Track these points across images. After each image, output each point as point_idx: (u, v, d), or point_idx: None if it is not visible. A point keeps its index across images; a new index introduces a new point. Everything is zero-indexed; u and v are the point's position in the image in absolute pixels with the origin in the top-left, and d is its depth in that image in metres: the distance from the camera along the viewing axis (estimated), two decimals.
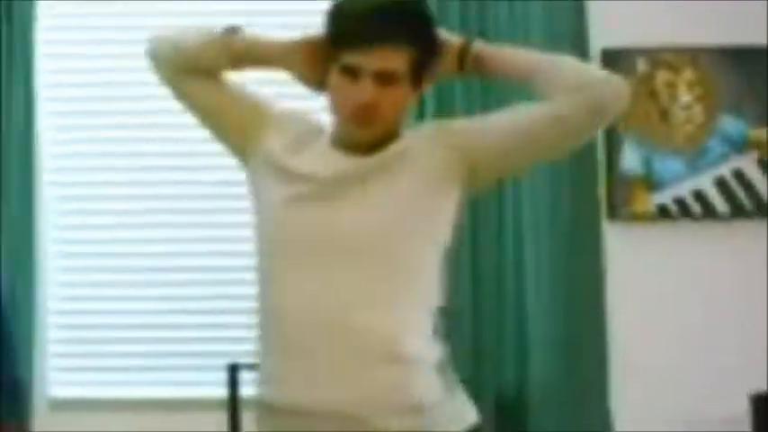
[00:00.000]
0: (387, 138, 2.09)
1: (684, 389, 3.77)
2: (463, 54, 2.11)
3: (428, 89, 2.19)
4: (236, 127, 2.18)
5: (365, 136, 2.07)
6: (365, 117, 2.03)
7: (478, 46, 2.13)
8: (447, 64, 2.12)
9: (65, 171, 3.94)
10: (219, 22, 3.71)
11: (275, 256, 2.10)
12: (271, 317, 2.12)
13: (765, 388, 3.54)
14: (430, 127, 2.21)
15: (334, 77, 2.05)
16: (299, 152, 2.11)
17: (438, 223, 2.08)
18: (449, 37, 2.13)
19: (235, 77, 2.21)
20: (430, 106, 3.65)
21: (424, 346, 2.06)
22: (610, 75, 2.08)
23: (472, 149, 2.07)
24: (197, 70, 2.16)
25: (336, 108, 2.08)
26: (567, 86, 2.02)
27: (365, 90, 2.00)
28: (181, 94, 2.21)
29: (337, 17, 2.05)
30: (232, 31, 2.17)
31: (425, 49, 2.05)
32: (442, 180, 2.07)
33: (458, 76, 2.17)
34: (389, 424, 2.00)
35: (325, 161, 2.08)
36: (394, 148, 2.08)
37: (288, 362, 2.06)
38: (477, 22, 3.68)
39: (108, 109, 3.93)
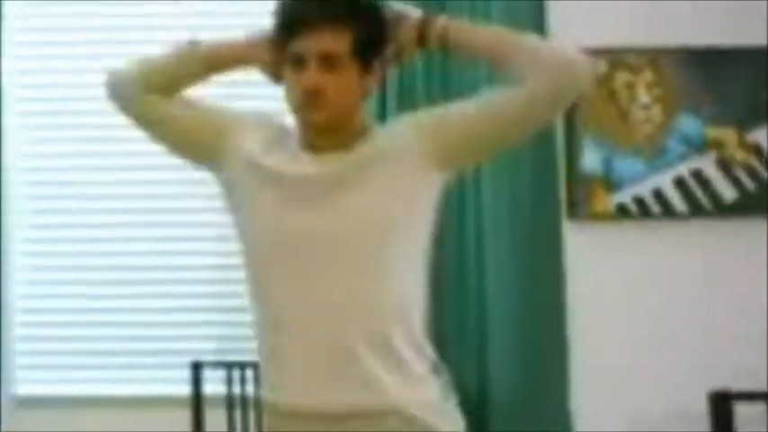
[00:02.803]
0: (352, 133, 2.11)
1: (645, 387, 3.78)
2: (423, 29, 2.12)
3: (388, 73, 2.21)
4: (206, 140, 2.20)
5: (319, 121, 2.08)
6: (312, 102, 2.05)
7: (443, 21, 2.13)
8: (406, 39, 2.14)
9: (33, 171, 3.96)
10: (187, 23, 3.76)
11: (261, 259, 2.12)
12: (264, 322, 2.14)
13: (725, 386, 3.56)
14: (400, 121, 2.20)
15: (287, 72, 2.09)
16: (275, 152, 2.13)
17: (417, 220, 2.10)
18: (407, 11, 2.15)
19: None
20: (391, 98, 3.66)
21: (417, 346, 2.10)
22: (578, 54, 2.08)
23: (447, 139, 2.08)
24: (169, 86, 2.20)
25: (289, 100, 2.10)
26: (538, 70, 2.02)
27: (309, 75, 2.03)
28: (146, 119, 2.24)
29: (280, 12, 2.09)
30: (194, 42, 2.24)
31: (367, 30, 2.07)
32: (419, 173, 2.08)
33: (419, 51, 2.18)
34: (390, 426, 2.05)
35: (300, 163, 2.10)
36: (367, 147, 2.10)
37: (285, 367, 2.10)
38: None
39: (76, 109, 3.93)
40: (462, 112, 2.12)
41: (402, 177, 2.07)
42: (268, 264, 2.11)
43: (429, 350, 2.14)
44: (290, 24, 2.06)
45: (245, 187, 2.14)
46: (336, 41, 2.03)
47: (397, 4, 2.16)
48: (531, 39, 2.12)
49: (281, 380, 2.12)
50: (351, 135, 2.12)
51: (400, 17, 2.14)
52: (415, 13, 2.15)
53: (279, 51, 2.11)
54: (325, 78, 2.04)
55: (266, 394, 2.17)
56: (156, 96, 2.20)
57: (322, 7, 2.04)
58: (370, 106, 3.55)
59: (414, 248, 2.11)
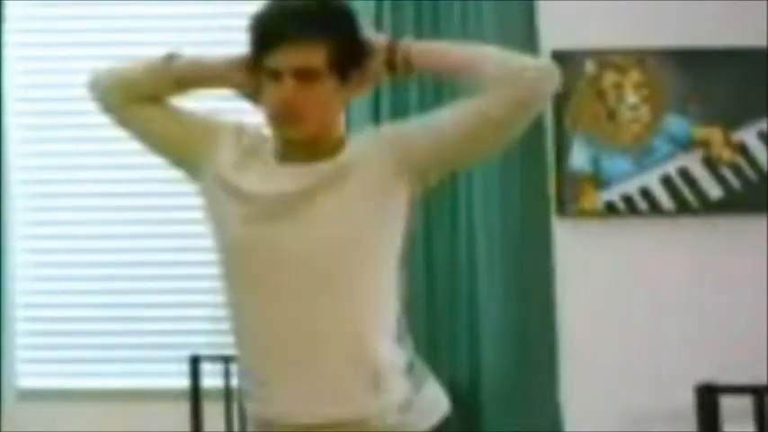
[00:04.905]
0: (328, 145, 2.09)
1: (632, 381, 3.79)
2: (391, 54, 2.10)
3: (363, 92, 2.19)
4: (184, 148, 2.19)
5: (294, 135, 2.07)
6: (288, 115, 2.04)
7: (406, 45, 2.11)
8: (377, 65, 2.11)
9: (33, 169, 3.97)
10: (186, 24, 3.79)
11: (233, 274, 2.12)
12: (239, 335, 2.15)
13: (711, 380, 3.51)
14: (371, 134, 2.18)
15: (264, 86, 2.07)
16: (246, 168, 2.11)
17: (390, 229, 2.09)
18: (375, 37, 2.13)
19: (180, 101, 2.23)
20: (385, 104, 3.66)
21: (389, 353, 2.09)
22: (542, 61, 2.09)
23: (412, 152, 2.06)
24: (141, 97, 2.18)
25: (266, 113, 2.08)
26: (492, 81, 2.01)
27: (288, 88, 2.01)
28: (125, 122, 2.22)
29: (255, 26, 2.07)
30: (170, 57, 2.19)
31: (343, 44, 2.04)
32: (388, 186, 2.07)
33: (390, 77, 2.15)
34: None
35: (272, 178, 2.08)
36: (338, 160, 2.07)
37: (255, 376, 2.11)
38: (430, 24, 3.70)
39: (75, 109, 3.74)
40: (431, 125, 2.10)
41: (370, 191, 2.05)
42: (238, 279, 2.11)
43: (403, 351, 2.13)
44: (265, 39, 2.03)
45: (216, 202, 2.13)
46: (312, 55, 2.01)
47: (366, 29, 2.14)
48: (491, 49, 2.10)
49: (256, 390, 2.12)
50: (326, 147, 2.10)
51: (370, 43, 2.12)
52: (381, 38, 2.14)
53: (256, 69, 2.08)
54: (301, 92, 2.01)
55: (248, 404, 2.18)
56: (135, 105, 2.19)
57: (296, 21, 2.01)
58: (364, 110, 3.60)
59: (384, 260, 2.10)
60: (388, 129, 2.20)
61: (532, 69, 2.03)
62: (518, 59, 2.07)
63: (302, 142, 2.08)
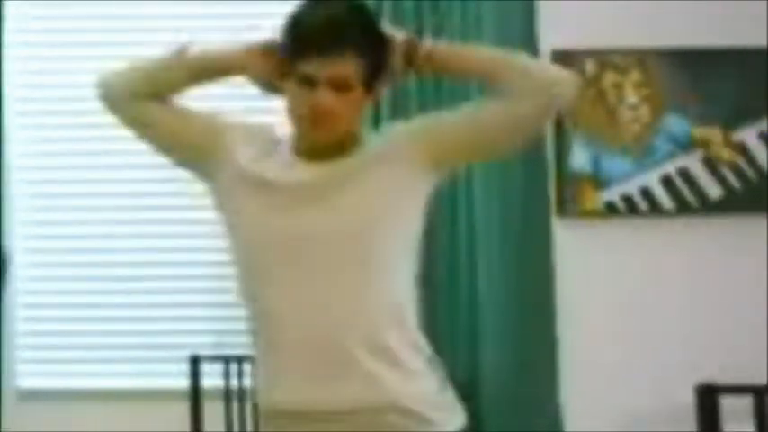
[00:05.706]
0: (346, 141, 2.15)
1: (633, 382, 3.80)
2: (410, 51, 2.16)
3: (383, 92, 2.26)
4: (195, 145, 2.22)
5: (322, 139, 2.12)
6: (323, 122, 2.08)
7: (429, 44, 2.17)
8: (395, 63, 2.16)
9: (33, 169, 3.96)
10: (188, 24, 3.77)
11: (254, 266, 2.14)
12: (260, 324, 2.16)
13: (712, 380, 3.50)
14: (391, 128, 2.26)
15: (292, 87, 2.10)
16: (267, 162, 2.15)
17: (409, 219, 2.15)
18: (394, 33, 2.17)
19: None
20: (385, 107, 3.64)
21: (412, 342, 2.14)
22: (564, 73, 2.17)
23: (432, 145, 2.13)
24: (151, 94, 2.21)
25: (295, 115, 2.12)
26: (519, 90, 2.09)
27: (323, 97, 2.05)
28: (133, 121, 2.24)
29: (293, 30, 2.10)
30: (184, 48, 2.24)
31: (376, 58, 2.11)
32: (408, 178, 2.12)
33: (408, 73, 2.20)
34: (391, 422, 2.09)
35: (293, 170, 2.13)
36: (360, 153, 2.14)
37: (282, 366, 2.11)
38: (431, 23, 3.70)
39: (76, 109, 3.85)
40: (452, 119, 2.18)
41: (394, 177, 2.11)
42: (261, 268, 2.12)
43: (424, 345, 2.18)
44: (304, 46, 2.06)
45: (237, 196, 2.15)
46: (348, 68, 2.06)
47: (384, 26, 2.19)
48: (520, 58, 2.18)
49: (278, 378, 2.12)
50: (344, 143, 2.15)
51: (389, 40, 2.17)
52: (399, 35, 2.18)
53: (282, 65, 2.12)
54: (334, 100, 2.06)
55: (262, 396, 2.18)
56: (144, 102, 2.21)
57: (337, 34, 2.05)
58: (364, 114, 3.56)
59: (405, 246, 2.15)
60: (415, 121, 2.24)
61: (561, 84, 2.14)
62: (546, 73, 2.17)
63: (325, 143, 2.14)
